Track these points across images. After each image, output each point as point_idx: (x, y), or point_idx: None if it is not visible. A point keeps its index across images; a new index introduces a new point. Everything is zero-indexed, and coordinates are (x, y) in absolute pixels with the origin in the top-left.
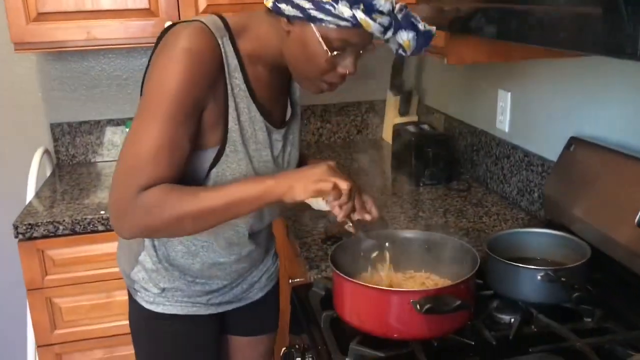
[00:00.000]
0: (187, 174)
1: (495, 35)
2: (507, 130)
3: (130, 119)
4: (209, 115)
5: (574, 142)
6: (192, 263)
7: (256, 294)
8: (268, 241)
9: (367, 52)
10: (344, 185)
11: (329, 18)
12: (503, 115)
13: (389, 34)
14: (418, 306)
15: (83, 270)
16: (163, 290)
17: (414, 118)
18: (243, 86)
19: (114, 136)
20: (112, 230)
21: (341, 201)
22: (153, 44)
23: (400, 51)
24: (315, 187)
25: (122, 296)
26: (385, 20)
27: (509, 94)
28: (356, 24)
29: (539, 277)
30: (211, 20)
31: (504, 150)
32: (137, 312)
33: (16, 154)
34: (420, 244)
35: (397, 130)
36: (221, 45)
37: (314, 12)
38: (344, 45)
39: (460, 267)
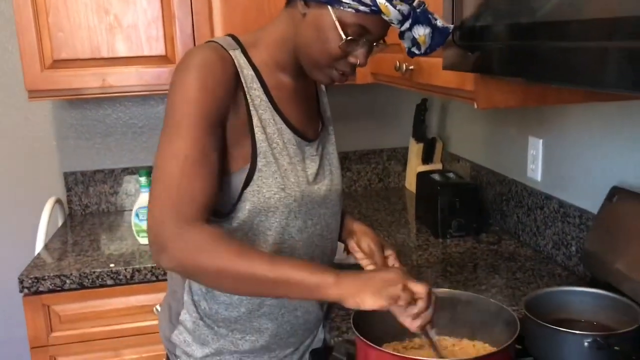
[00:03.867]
0: (219, 204)
1: (533, 77)
2: (539, 179)
3: (145, 167)
4: (232, 131)
5: (617, 192)
6: (237, 314)
7: None
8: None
9: (379, 48)
10: (419, 288)
11: (348, 1)
12: (534, 164)
13: (407, 25)
14: None
15: (90, 327)
16: (206, 356)
17: (438, 166)
18: (264, 97)
19: (128, 185)
20: (122, 285)
21: (419, 309)
22: (169, 91)
23: (414, 49)
24: (386, 293)
25: (132, 354)
26: (405, 8)
27: (541, 141)
28: (376, 9)
29: (586, 344)
30: (222, 39)
31: (536, 201)
32: None
33: (27, 204)
34: (450, 303)
35: (421, 179)
36: (234, 57)
37: None
38: (360, 31)
39: (496, 331)
